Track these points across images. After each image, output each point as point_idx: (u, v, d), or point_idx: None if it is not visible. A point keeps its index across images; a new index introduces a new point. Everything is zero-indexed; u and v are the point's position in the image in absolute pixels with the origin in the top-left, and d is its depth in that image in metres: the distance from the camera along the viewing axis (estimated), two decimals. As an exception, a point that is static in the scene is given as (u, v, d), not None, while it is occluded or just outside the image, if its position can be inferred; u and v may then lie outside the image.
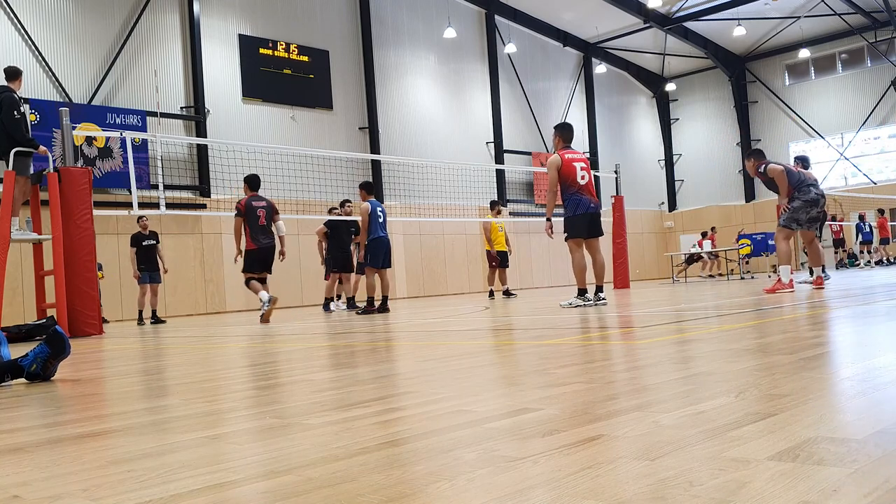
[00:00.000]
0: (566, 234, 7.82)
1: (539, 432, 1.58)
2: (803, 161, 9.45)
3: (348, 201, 12.52)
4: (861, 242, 22.63)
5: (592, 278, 8.11)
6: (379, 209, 10.15)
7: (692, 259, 21.24)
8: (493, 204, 14.18)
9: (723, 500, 1.05)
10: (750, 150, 8.98)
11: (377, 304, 10.05)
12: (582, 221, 7.73)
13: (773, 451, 1.29)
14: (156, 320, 12.56)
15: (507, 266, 14.15)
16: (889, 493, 1.03)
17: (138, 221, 12.34)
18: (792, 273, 8.52)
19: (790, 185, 8.36)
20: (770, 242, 20.04)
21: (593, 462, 1.30)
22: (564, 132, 7.96)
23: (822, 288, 8.39)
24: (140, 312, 12.64)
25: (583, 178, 7.62)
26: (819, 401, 1.80)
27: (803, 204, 8.34)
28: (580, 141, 27.63)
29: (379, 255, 10.00)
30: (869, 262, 22.32)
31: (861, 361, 2.43)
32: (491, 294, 14.21)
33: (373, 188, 10.61)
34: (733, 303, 6.79)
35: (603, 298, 7.80)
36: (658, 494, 1.09)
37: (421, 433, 1.68)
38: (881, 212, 23.06)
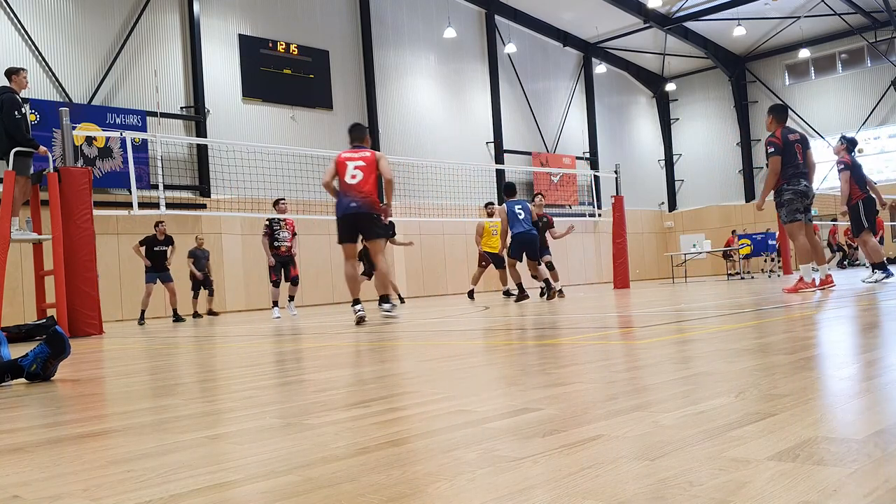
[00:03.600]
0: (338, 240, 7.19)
1: (539, 432, 1.58)
2: (803, 143, 8.41)
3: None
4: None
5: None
6: (517, 206, 10.61)
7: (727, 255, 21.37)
8: (487, 204, 14.21)
9: (723, 500, 1.05)
10: (773, 105, 8.48)
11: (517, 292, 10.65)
12: (340, 225, 7.06)
13: (773, 451, 1.29)
14: (176, 318, 12.62)
15: (504, 267, 14.08)
16: (889, 493, 1.03)
17: (156, 227, 12.57)
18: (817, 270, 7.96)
19: (781, 177, 7.94)
20: (770, 242, 20.07)
21: (593, 462, 1.30)
22: (350, 132, 7.43)
23: (833, 286, 7.96)
24: (142, 312, 12.64)
25: (353, 176, 6.97)
26: (819, 401, 1.80)
27: (795, 195, 7.91)
28: (581, 141, 27.65)
29: (514, 249, 10.74)
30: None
31: (861, 361, 2.43)
32: (471, 294, 13.99)
33: (513, 191, 11.07)
34: (733, 303, 6.79)
35: (387, 311, 6.95)
36: (658, 494, 1.09)
37: (421, 433, 1.68)
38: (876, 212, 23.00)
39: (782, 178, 7.93)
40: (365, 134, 7.41)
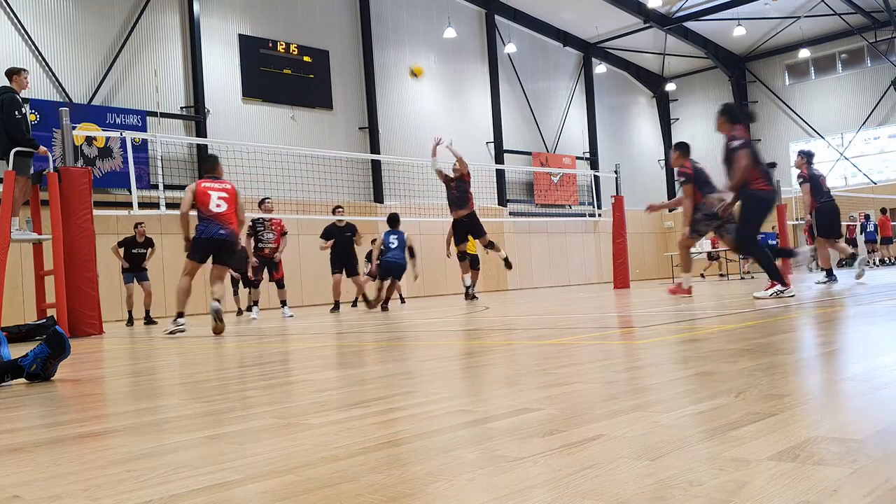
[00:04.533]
0: (188, 253, 7.53)
1: (539, 432, 1.58)
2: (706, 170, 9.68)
3: (339, 207, 12.66)
4: (865, 241, 22.73)
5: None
6: (393, 237, 11.69)
7: (711, 256, 21.32)
8: None
9: (723, 500, 1.05)
10: (678, 142, 9.39)
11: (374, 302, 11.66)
12: (201, 244, 7.30)
13: (773, 451, 1.29)
14: (148, 320, 12.22)
15: (478, 267, 13.55)
16: (889, 493, 1.03)
17: (135, 228, 12.23)
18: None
19: (700, 195, 8.71)
20: (771, 242, 20.05)
21: (593, 462, 1.30)
22: (204, 163, 7.86)
23: (688, 295, 8.72)
24: (130, 313, 12.39)
25: (219, 206, 7.33)
26: (819, 401, 1.80)
27: (704, 217, 8.65)
28: (581, 141, 27.62)
29: (381, 273, 11.74)
30: (873, 261, 22.34)
31: (861, 361, 2.43)
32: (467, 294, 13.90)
33: (395, 222, 11.97)
34: (733, 303, 6.79)
35: (178, 326, 7.34)
36: (658, 494, 1.09)
37: (421, 433, 1.68)
38: (883, 211, 23.14)
39: (700, 196, 8.72)
40: (218, 165, 7.69)
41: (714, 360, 2.66)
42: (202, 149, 17.79)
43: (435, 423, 1.78)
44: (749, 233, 7.52)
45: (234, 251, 7.55)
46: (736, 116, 7.38)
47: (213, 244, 7.29)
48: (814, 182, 10.23)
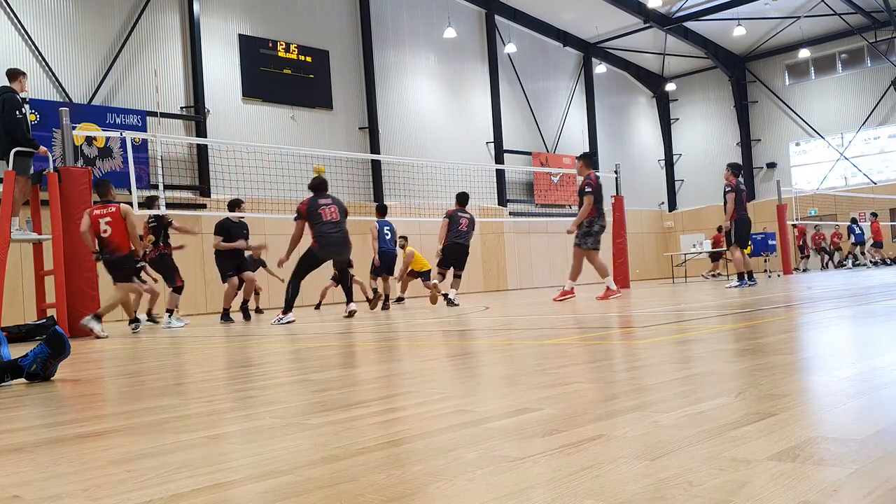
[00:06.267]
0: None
1: (539, 432, 1.58)
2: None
3: (240, 202, 11.31)
4: (853, 244, 22.96)
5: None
6: (385, 227, 12.00)
7: (717, 256, 21.33)
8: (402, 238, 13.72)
9: (723, 500, 1.05)
10: (585, 153, 10.64)
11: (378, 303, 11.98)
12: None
13: (773, 451, 1.29)
14: (149, 318, 11.96)
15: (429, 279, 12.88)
16: (889, 493, 1.03)
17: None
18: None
19: (594, 212, 9.84)
20: (770, 242, 20.07)
21: (593, 462, 1.30)
22: (97, 189, 8.64)
23: (610, 298, 9.38)
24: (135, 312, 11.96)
25: (105, 231, 8.20)
26: (819, 400, 1.80)
27: (600, 229, 10.00)
28: (581, 141, 27.62)
29: (381, 267, 11.96)
30: (866, 262, 22.45)
31: (861, 361, 2.43)
32: (398, 300, 14.38)
33: (384, 211, 12.47)
34: (733, 303, 6.79)
35: (98, 329, 8.04)
36: (658, 494, 1.09)
37: (421, 433, 1.68)
38: (875, 215, 23.40)
39: (595, 213, 9.92)
40: (108, 189, 8.53)
41: (714, 360, 2.66)
42: (202, 149, 17.79)
43: (435, 423, 1.78)
44: (294, 276, 8.94)
45: (120, 266, 8.34)
46: (317, 188, 9.01)
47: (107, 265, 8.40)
48: (739, 194, 11.33)
